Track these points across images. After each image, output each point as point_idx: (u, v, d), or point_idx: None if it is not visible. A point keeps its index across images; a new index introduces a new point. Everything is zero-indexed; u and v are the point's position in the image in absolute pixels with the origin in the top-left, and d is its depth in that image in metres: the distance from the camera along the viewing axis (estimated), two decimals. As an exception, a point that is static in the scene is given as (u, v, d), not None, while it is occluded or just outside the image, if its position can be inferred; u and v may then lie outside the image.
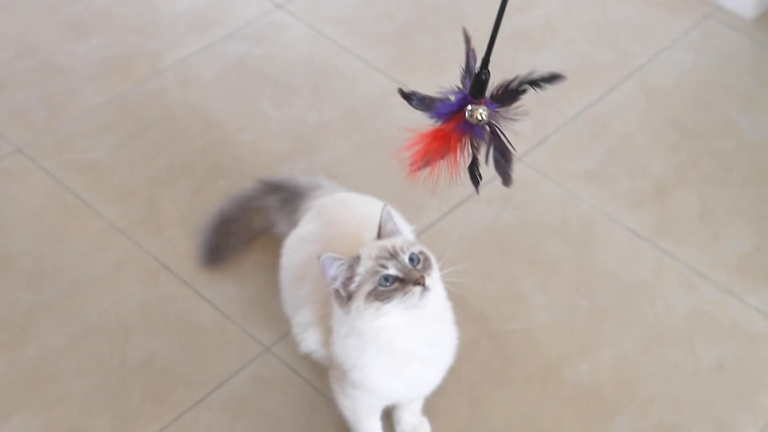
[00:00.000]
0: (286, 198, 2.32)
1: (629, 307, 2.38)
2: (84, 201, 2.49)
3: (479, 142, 1.56)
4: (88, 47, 2.86)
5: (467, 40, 1.55)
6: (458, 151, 1.55)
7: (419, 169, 1.58)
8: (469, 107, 1.53)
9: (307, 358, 2.21)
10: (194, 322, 2.29)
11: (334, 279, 1.78)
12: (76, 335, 2.26)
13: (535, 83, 1.54)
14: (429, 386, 1.96)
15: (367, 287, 1.76)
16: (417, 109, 1.57)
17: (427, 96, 1.57)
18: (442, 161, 1.56)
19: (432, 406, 2.17)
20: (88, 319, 2.29)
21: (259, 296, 2.33)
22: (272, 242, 2.41)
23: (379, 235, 1.85)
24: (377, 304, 1.75)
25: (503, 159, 1.58)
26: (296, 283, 2.02)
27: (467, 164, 1.58)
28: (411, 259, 1.77)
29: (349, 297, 1.79)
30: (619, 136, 2.73)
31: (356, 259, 1.79)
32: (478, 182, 1.59)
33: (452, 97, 1.55)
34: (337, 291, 1.80)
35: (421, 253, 1.80)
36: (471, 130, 1.55)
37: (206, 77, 2.81)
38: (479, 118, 1.53)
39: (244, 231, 2.39)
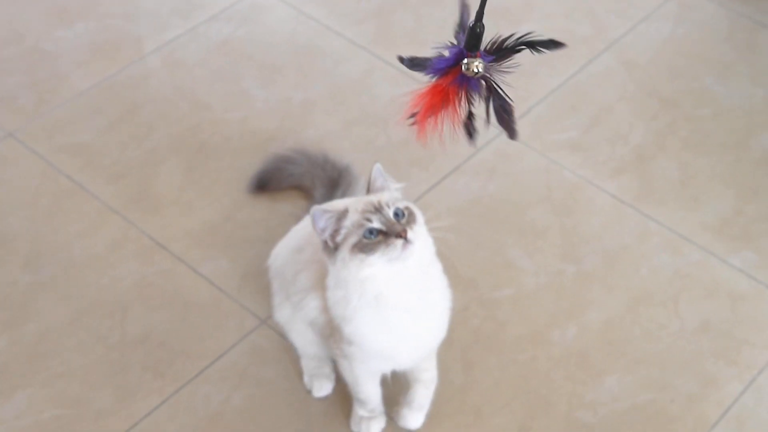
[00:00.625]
0: (334, 178, 2.37)
1: (614, 271, 2.39)
2: (77, 183, 2.49)
3: (475, 95, 1.55)
4: (74, 33, 2.86)
5: None
6: (457, 104, 1.55)
7: (426, 127, 1.56)
8: (465, 60, 1.52)
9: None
10: (191, 298, 2.30)
11: (323, 231, 1.81)
12: (76, 312, 2.27)
13: (532, 46, 1.54)
14: (421, 343, 1.95)
15: (353, 239, 1.78)
16: (414, 70, 1.57)
17: (423, 57, 1.57)
18: (443, 115, 1.55)
19: (426, 372, 2.20)
20: (87, 296, 2.30)
21: (253, 271, 2.34)
22: (261, 217, 2.44)
23: (368, 191, 1.86)
24: (361, 255, 1.77)
25: (504, 112, 1.56)
26: (297, 252, 2.03)
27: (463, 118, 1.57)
28: (396, 214, 1.79)
29: (336, 248, 1.81)
30: (599, 106, 2.74)
31: (344, 212, 1.80)
32: (472, 136, 1.58)
33: (447, 53, 1.55)
34: (325, 242, 1.82)
35: (407, 208, 1.81)
36: (467, 83, 1.54)
37: (192, 59, 2.81)
38: (476, 70, 1.52)
39: (293, 176, 2.44)
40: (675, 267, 2.40)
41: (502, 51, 1.55)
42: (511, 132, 1.58)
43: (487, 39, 1.54)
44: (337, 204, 1.86)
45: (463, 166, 2.57)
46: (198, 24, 2.90)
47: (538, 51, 1.56)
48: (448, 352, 2.20)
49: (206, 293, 2.31)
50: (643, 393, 2.18)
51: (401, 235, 1.76)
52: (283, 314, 2.09)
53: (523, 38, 1.54)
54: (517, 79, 2.80)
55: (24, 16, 2.90)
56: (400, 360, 2.04)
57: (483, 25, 1.53)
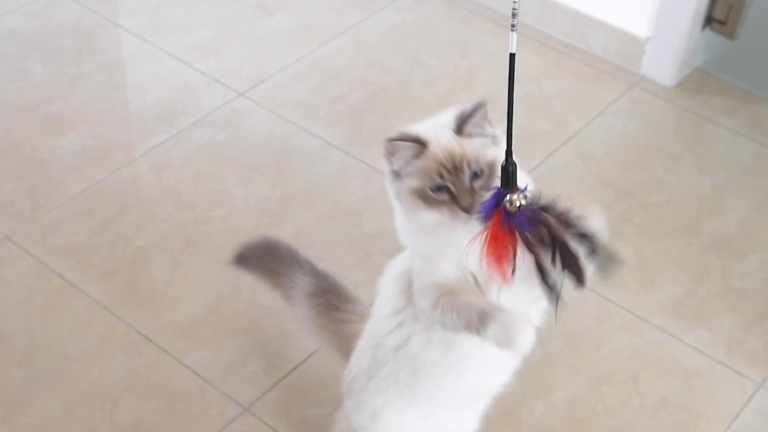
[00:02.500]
0: (320, 287, 2.08)
1: (578, 351, 2.39)
2: (69, 281, 2.50)
3: (533, 236, 1.45)
4: (67, 141, 2.87)
5: None
6: (517, 245, 1.46)
7: (505, 271, 1.47)
8: (507, 197, 1.46)
9: (282, 417, 2.23)
10: (176, 388, 2.29)
11: (395, 163, 1.59)
12: (68, 405, 2.25)
13: (593, 251, 1.49)
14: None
15: (416, 183, 1.57)
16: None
17: None
18: (514, 258, 1.46)
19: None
20: (79, 389, 2.28)
21: (235, 360, 2.34)
22: (244, 309, 2.45)
23: (460, 129, 1.59)
24: (419, 202, 1.56)
25: (569, 255, 1.46)
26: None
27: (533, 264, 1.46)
28: (475, 173, 1.56)
29: (398, 177, 1.59)
30: (559, 196, 2.75)
31: (421, 151, 1.57)
32: (552, 291, 1.48)
33: (487, 194, 1.49)
34: (391, 168, 1.60)
35: (490, 166, 1.57)
36: (514, 220, 1.46)
37: (176, 162, 2.82)
38: (518, 204, 1.45)
39: (273, 270, 2.13)
40: (634, 346, 2.41)
41: (568, 227, 1.48)
42: (579, 277, 1.47)
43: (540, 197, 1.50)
44: (419, 132, 1.58)
45: (433, 256, 2.59)
46: (182, 129, 2.92)
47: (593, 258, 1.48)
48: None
49: (191, 383, 2.30)
50: (607, 467, 2.18)
51: (467, 210, 1.54)
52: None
53: (590, 238, 1.49)
54: None
55: (21, 127, 2.91)
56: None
57: (515, 162, 1.49)
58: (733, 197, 2.77)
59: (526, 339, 1.51)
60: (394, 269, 1.79)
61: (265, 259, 2.14)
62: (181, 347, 2.37)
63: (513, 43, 1.49)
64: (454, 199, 1.55)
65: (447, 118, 1.61)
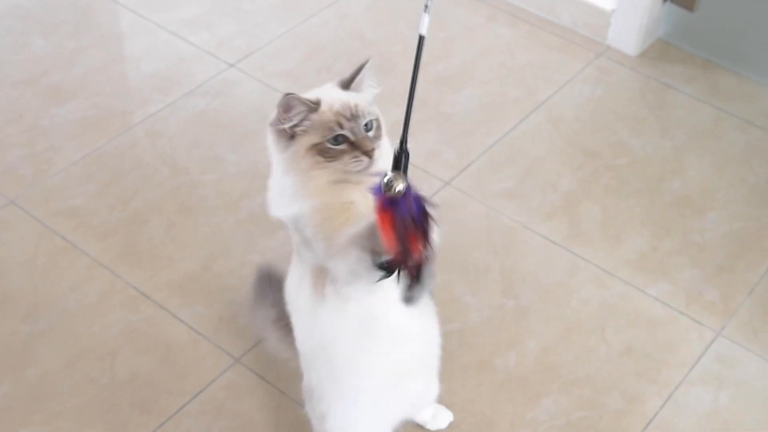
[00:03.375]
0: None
1: (549, 303, 2.38)
2: (70, 242, 2.47)
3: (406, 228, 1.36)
4: (67, 110, 2.83)
5: None
6: (393, 232, 1.36)
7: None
8: (386, 178, 1.36)
9: (273, 367, 2.21)
10: (172, 341, 2.27)
11: (289, 120, 1.50)
12: (70, 358, 2.23)
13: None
14: (412, 385, 1.81)
15: (314, 138, 1.49)
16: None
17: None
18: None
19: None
20: (80, 343, 2.26)
21: (227, 314, 2.31)
22: (235, 267, 2.42)
23: (348, 85, 1.57)
24: (319, 158, 1.48)
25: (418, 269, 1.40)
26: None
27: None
28: (366, 125, 1.51)
29: (292, 137, 1.51)
30: (531, 159, 2.73)
31: (316, 105, 1.51)
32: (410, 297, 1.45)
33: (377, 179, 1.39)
34: (283, 130, 1.51)
35: (377, 120, 1.54)
36: (395, 207, 1.36)
37: (171, 130, 2.79)
38: (398, 189, 1.36)
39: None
40: (601, 298, 2.39)
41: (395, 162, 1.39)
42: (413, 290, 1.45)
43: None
44: (310, 94, 1.54)
45: (413, 215, 2.57)
46: (177, 99, 2.88)
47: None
48: (403, 381, 2.20)
49: (186, 336, 2.27)
50: (577, 411, 2.17)
51: (369, 154, 1.49)
52: None
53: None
54: (459, 137, 2.82)
55: (24, 98, 2.87)
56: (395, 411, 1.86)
57: (407, 150, 1.39)
58: (693, 159, 2.75)
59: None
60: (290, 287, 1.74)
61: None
62: (176, 302, 2.34)
63: (424, 25, 1.40)
64: (355, 147, 1.49)
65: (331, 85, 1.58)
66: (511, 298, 2.39)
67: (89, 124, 2.80)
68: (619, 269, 2.46)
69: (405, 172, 1.40)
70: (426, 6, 1.40)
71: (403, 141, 1.41)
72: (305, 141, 1.49)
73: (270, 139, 1.56)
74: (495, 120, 2.85)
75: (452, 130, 2.81)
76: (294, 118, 1.50)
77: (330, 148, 1.48)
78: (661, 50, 3.10)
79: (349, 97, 1.53)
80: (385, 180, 1.36)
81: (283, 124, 1.51)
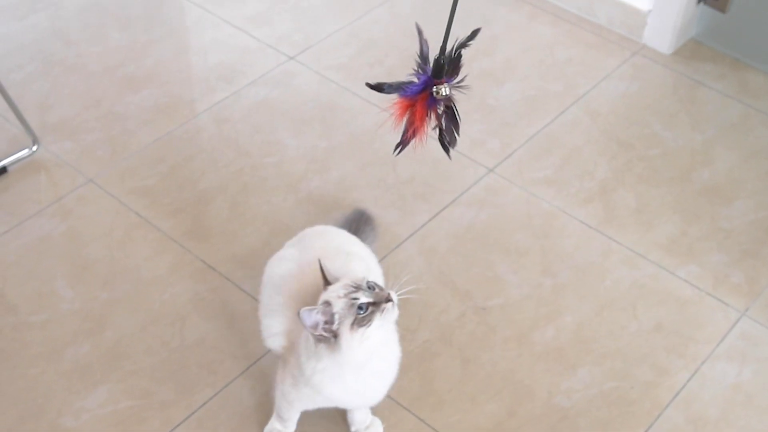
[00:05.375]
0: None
1: (584, 282, 2.41)
2: (143, 218, 2.52)
3: (439, 115, 1.53)
4: (140, 98, 2.89)
5: (420, 32, 1.53)
6: (426, 120, 1.52)
7: (399, 124, 1.54)
8: (435, 87, 1.51)
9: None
10: (236, 309, 2.32)
11: (316, 326, 1.69)
12: (144, 322, 2.29)
13: (464, 45, 1.52)
14: (377, 398, 1.88)
15: (349, 320, 1.68)
16: (389, 93, 1.53)
17: (394, 82, 1.54)
18: (420, 128, 1.53)
19: (429, 367, 2.20)
20: (152, 309, 2.32)
21: (288, 287, 2.36)
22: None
23: (327, 282, 1.75)
24: (361, 330, 1.67)
25: (453, 126, 1.54)
26: (274, 293, 1.94)
27: (435, 134, 1.54)
28: (370, 287, 1.71)
29: (336, 336, 1.69)
30: (569, 149, 2.76)
31: (327, 304, 1.70)
32: (448, 149, 1.55)
33: (417, 80, 1.52)
34: (321, 336, 1.70)
35: (367, 280, 1.73)
36: (435, 104, 1.52)
37: (235, 117, 2.83)
38: (444, 93, 1.51)
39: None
40: (633, 279, 2.42)
41: (452, 63, 1.52)
42: (452, 140, 1.55)
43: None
44: (318, 305, 1.72)
45: (459, 199, 2.61)
46: (240, 88, 2.93)
47: (468, 45, 1.52)
48: (448, 351, 2.24)
49: (248, 305, 2.32)
50: (609, 381, 2.20)
51: (389, 298, 1.69)
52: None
53: (457, 45, 1.52)
54: (502, 128, 2.84)
55: (101, 86, 2.93)
56: (351, 406, 1.99)
57: (446, 56, 1.51)
58: (722, 151, 2.76)
59: None
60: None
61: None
62: (239, 275, 2.39)
63: None
64: (378, 303, 1.69)
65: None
66: (549, 277, 2.42)
67: (160, 110, 2.85)
68: (650, 252, 2.48)
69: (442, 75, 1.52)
70: None
71: (444, 47, 1.52)
72: (346, 326, 1.68)
73: (323, 352, 1.73)
74: (536, 112, 2.87)
75: (496, 121, 2.84)
76: (320, 321, 1.69)
77: (364, 317, 1.68)
78: (694, 49, 3.11)
79: (342, 282, 1.72)
80: (434, 88, 1.50)
81: (326, 333, 1.70)
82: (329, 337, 1.69)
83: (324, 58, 3.05)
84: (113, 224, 2.52)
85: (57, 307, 2.32)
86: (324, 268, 1.76)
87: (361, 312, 1.67)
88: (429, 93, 1.52)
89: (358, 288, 1.70)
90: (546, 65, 3.05)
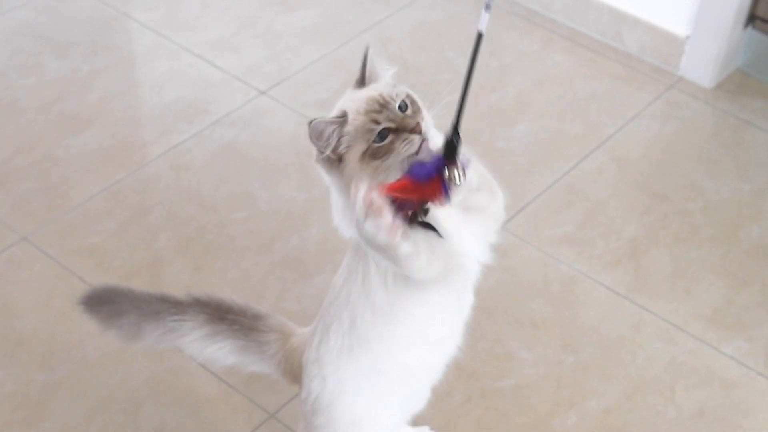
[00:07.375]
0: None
1: (612, 360, 2.46)
2: (88, 284, 2.53)
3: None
4: (83, 140, 2.93)
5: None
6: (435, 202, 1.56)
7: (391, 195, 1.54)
8: (447, 172, 1.54)
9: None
10: (200, 393, 2.35)
11: (327, 144, 1.60)
12: (90, 409, 2.32)
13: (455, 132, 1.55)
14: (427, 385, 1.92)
15: (360, 147, 1.60)
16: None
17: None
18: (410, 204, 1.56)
19: (431, 461, 2.26)
20: (100, 393, 2.35)
21: (261, 366, 2.42)
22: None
23: (363, 82, 1.67)
24: (375, 162, 1.59)
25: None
26: None
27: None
28: (400, 107, 1.61)
29: (340, 160, 1.61)
30: (593, 201, 2.81)
31: (342, 118, 1.60)
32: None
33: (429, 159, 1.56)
34: (328, 158, 1.62)
35: (408, 96, 1.64)
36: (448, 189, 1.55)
37: (197, 163, 2.88)
38: (458, 182, 1.54)
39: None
40: (670, 356, 2.47)
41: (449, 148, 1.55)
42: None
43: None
44: (334, 111, 1.65)
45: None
46: (202, 129, 2.99)
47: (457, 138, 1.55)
48: (452, 442, 2.29)
49: (215, 388, 2.36)
50: (642, 478, 2.26)
51: (416, 129, 1.59)
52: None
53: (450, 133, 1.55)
54: (513, 176, 2.90)
55: (35, 126, 2.98)
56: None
57: (459, 136, 1.55)
58: (774, 204, 2.83)
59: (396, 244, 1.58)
60: None
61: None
62: (204, 352, 2.44)
63: (484, 23, 1.56)
64: (400, 132, 1.59)
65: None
66: (570, 354, 2.47)
67: (107, 155, 2.90)
68: (689, 324, 2.54)
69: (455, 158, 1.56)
70: (487, 5, 1.54)
71: (456, 126, 1.56)
72: (353, 154, 1.60)
73: (323, 174, 1.69)
74: (553, 158, 2.94)
75: (506, 167, 2.90)
76: (331, 140, 1.60)
77: (379, 147, 1.59)
78: (740, 82, 3.18)
79: (371, 91, 1.64)
80: (448, 176, 1.54)
81: (324, 151, 1.62)
82: (334, 158, 1.62)
83: (301, 93, 3.11)
84: (52, 291, 2.56)
85: (-14, 392, 2.36)
86: (368, 63, 1.67)
87: (379, 140, 1.59)
88: (441, 177, 1.55)
89: (384, 106, 1.60)
90: (564, 102, 3.11)
